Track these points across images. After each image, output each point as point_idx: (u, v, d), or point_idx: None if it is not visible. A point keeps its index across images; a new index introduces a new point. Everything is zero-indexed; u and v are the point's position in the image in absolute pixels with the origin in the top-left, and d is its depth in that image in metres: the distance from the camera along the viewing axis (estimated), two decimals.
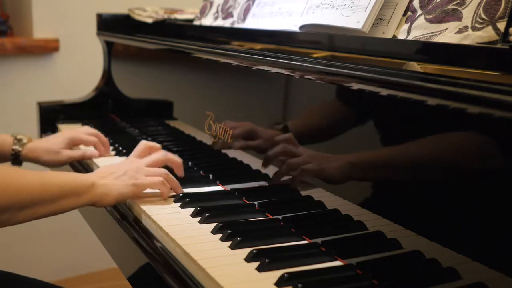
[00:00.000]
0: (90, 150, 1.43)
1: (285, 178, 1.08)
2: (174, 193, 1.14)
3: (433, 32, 0.92)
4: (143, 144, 1.21)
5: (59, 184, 1.01)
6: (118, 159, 1.41)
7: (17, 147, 1.37)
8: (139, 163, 1.13)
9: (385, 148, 0.90)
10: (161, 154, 1.18)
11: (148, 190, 1.12)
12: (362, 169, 0.93)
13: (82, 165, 1.43)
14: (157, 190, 1.12)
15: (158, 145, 1.24)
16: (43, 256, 2.53)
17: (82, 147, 1.46)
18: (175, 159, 1.21)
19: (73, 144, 1.44)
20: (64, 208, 1.02)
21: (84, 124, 1.79)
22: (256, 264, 0.83)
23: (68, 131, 1.47)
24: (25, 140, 1.39)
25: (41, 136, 1.83)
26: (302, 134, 1.08)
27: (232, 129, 1.23)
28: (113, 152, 1.48)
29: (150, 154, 1.20)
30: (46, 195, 0.99)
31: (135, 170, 1.10)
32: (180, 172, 1.21)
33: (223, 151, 1.28)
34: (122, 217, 1.09)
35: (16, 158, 1.38)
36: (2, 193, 0.94)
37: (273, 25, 1.27)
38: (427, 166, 0.81)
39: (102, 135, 1.48)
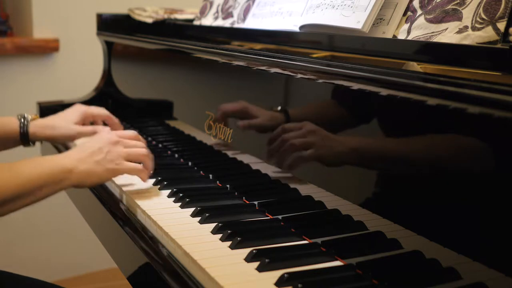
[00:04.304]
0: (101, 127, 1.41)
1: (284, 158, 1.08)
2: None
3: (433, 32, 0.92)
4: (134, 133, 1.21)
5: (38, 176, 1.01)
6: None
7: (24, 124, 1.34)
8: (118, 140, 1.13)
9: (386, 146, 0.90)
10: (133, 132, 1.20)
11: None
12: (363, 158, 0.93)
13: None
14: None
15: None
16: (43, 256, 2.53)
17: None
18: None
19: (86, 121, 1.42)
20: (44, 196, 1.04)
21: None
22: (256, 264, 0.83)
23: (81, 106, 1.44)
24: (31, 117, 1.36)
25: None
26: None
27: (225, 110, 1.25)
28: None
29: None
30: (24, 189, 1.00)
31: (115, 152, 1.10)
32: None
33: (223, 151, 1.28)
34: (122, 217, 1.09)
35: (25, 138, 1.35)
36: None
37: (273, 25, 1.27)
38: (427, 166, 0.81)
39: (113, 116, 1.48)
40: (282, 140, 1.06)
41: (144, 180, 1.15)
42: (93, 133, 1.36)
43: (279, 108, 1.11)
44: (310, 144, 1.01)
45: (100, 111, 1.45)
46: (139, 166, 1.13)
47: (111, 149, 1.10)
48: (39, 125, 1.35)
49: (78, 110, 1.40)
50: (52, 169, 1.03)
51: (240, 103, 1.22)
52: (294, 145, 1.04)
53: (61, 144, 1.47)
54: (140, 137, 1.21)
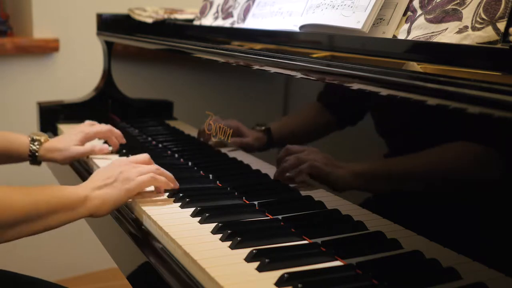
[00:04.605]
0: (99, 145, 1.44)
1: (288, 175, 1.08)
2: (170, 188, 1.14)
3: (433, 32, 0.92)
4: (147, 156, 1.18)
5: (48, 201, 0.99)
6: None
7: (34, 148, 1.38)
8: (128, 163, 1.12)
9: (385, 155, 0.90)
10: (146, 155, 1.17)
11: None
12: (366, 180, 0.93)
13: (82, 165, 1.44)
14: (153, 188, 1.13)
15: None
16: (44, 256, 2.53)
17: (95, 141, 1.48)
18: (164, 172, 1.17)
19: (87, 140, 1.44)
20: (57, 223, 1.01)
21: None
22: (256, 264, 0.83)
23: (83, 127, 1.46)
24: (42, 140, 1.39)
25: None
26: (298, 135, 1.08)
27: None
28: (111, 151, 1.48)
29: None
30: (34, 212, 0.97)
31: (126, 172, 1.09)
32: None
33: (223, 151, 1.28)
34: (122, 217, 1.09)
35: (34, 159, 1.39)
36: None
37: (273, 25, 1.27)
38: (427, 166, 0.81)
39: (114, 129, 1.49)
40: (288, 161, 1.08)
41: (161, 192, 1.12)
42: (91, 152, 1.41)
43: (262, 128, 1.13)
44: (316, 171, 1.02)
45: (98, 129, 1.46)
46: (151, 174, 1.10)
47: (122, 171, 1.09)
48: (47, 148, 1.39)
49: (81, 132, 1.44)
50: (66, 196, 1.02)
51: (233, 121, 1.23)
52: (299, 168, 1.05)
53: (63, 164, 1.48)
54: (152, 161, 1.18)
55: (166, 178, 1.13)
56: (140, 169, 1.11)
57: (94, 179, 1.08)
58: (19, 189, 0.99)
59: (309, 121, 1.07)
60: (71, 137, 1.42)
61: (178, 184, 1.15)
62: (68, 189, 1.04)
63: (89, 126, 1.47)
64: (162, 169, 1.14)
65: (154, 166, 1.13)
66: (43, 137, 1.40)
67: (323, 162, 1.00)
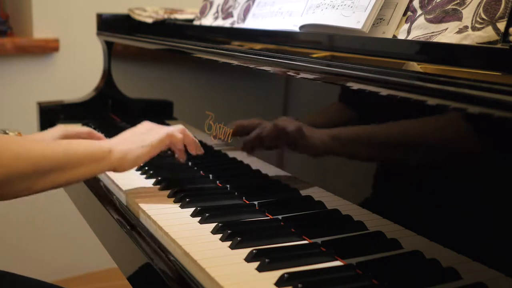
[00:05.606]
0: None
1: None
2: (193, 152, 1.19)
3: (433, 32, 0.92)
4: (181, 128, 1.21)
5: (80, 150, 1.03)
6: None
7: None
8: (153, 124, 1.18)
9: (385, 146, 0.90)
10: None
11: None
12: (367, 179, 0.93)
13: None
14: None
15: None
16: (43, 256, 2.53)
17: None
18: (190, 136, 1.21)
19: (66, 137, 1.43)
20: (85, 175, 1.04)
21: (84, 124, 1.79)
22: (256, 264, 0.83)
23: (63, 126, 1.45)
24: (11, 134, 1.38)
25: None
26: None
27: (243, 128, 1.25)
28: None
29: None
30: (67, 161, 1.01)
31: (149, 130, 1.14)
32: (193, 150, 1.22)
33: (223, 151, 1.28)
34: (122, 217, 1.09)
35: None
36: (24, 161, 0.95)
37: (273, 25, 1.27)
38: (427, 166, 0.81)
39: (96, 133, 1.48)
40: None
41: (181, 156, 1.19)
42: None
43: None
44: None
45: (79, 130, 1.46)
46: (171, 130, 1.14)
47: (145, 129, 1.15)
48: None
49: (59, 130, 1.43)
50: (91, 147, 1.05)
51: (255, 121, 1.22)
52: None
53: None
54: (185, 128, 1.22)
55: (189, 141, 1.17)
56: (164, 128, 1.15)
57: (117, 137, 1.13)
58: (48, 141, 1.03)
59: (322, 121, 1.07)
60: (48, 133, 1.39)
61: (203, 150, 1.19)
62: (93, 142, 1.08)
63: (70, 126, 1.47)
64: (186, 131, 1.17)
65: (179, 126, 1.18)
66: (15, 132, 1.40)
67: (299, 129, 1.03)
